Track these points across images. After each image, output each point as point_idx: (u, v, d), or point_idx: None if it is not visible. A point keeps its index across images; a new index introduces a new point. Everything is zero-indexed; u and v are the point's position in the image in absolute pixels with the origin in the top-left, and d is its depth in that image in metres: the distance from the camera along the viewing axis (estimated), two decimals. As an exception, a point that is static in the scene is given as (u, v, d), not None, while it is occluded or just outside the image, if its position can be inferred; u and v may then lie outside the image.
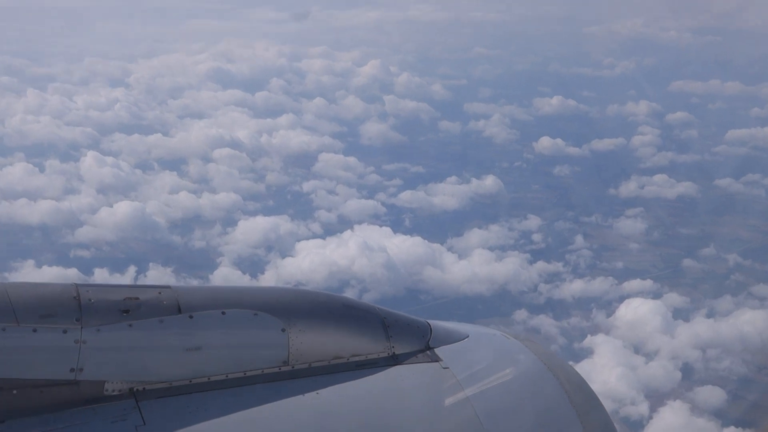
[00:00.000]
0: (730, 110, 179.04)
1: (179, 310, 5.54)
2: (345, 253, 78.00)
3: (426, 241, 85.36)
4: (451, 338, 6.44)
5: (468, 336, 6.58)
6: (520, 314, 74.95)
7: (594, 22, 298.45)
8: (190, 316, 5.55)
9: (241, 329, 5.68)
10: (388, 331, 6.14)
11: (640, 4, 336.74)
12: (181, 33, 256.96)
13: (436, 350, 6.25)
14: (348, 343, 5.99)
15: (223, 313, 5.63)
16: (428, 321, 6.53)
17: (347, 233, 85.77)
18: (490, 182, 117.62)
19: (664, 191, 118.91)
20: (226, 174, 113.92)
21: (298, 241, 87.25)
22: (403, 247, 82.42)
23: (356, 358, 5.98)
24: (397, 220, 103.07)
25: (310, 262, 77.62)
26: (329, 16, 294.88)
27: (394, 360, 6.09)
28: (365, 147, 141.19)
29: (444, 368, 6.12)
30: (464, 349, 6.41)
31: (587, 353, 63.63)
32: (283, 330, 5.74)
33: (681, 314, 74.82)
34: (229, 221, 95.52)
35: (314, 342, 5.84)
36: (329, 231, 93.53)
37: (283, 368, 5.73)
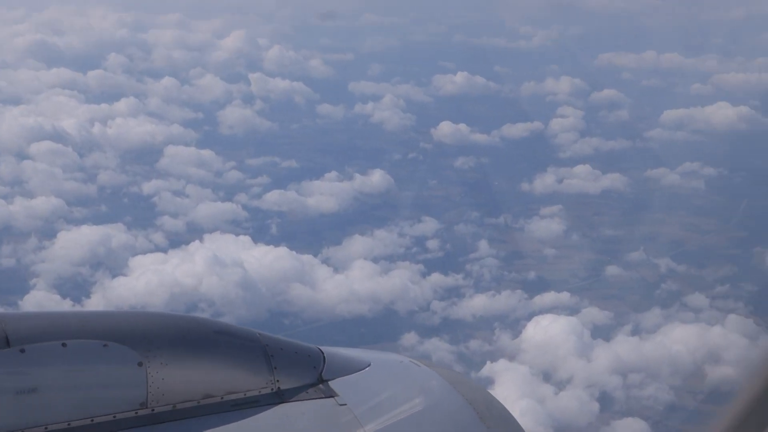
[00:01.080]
0: (667, 87, 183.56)
1: (7, 343, 5.33)
2: (191, 270, 77.04)
3: (294, 252, 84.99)
4: (348, 368, 6.49)
5: (370, 364, 6.63)
6: (409, 338, 75.15)
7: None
8: (22, 350, 5.35)
9: (87, 365, 5.51)
10: (272, 362, 6.11)
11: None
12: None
13: (330, 383, 6.29)
14: (222, 379, 5.94)
15: (64, 345, 5.43)
16: (321, 348, 6.58)
17: (195, 245, 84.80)
18: (377, 178, 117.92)
19: (586, 185, 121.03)
20: (46, 173, 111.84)
21: (134, 255, 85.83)
22: (265, 260, 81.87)
23: (232, 396, 5.93)
24: (261, 226, 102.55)
25: (147, 282, 76.40)
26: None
27: (279, 397, 6.08)
28: (225, 137, 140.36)
29: (340, 405, 6.14)
30: (365, 380, 6.48)
31: (486, 383, 63.90)
32: (140, 364, 5.63)
33: (601, 332, 75.99)
34: (48, 232, 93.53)
35: (180, 378, 5.76)
36: (175, 242, 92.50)
37: (141, 412, 5.62)
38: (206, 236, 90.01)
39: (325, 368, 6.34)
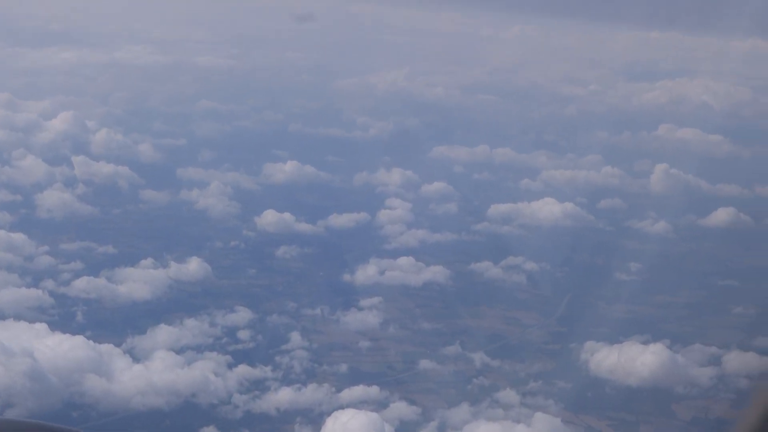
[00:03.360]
0: (498, 181, 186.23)
1: None
2: (-25, 359, 73.42)
3: (92, 342, 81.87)
4: None
5: None
6: (207, 432, 72.74)
7: (349, 73, 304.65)
8: None
9: None
10: None
11: (404, 55, 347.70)
12: None
13: None
14: None
15: None
16: None
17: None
18: (194, 266, 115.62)
19: (409, 277, 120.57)
20: None
21: None
22: (60, 350, 78.69)
23: None
24: (67, 314, 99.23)
25: None
26: (15, 54, 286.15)
27: None
28: (42, 221, 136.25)
29: None
30: None
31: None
32: None
33: (408, 427, 74.95)
34: None
35: None
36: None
37: None
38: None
39: None
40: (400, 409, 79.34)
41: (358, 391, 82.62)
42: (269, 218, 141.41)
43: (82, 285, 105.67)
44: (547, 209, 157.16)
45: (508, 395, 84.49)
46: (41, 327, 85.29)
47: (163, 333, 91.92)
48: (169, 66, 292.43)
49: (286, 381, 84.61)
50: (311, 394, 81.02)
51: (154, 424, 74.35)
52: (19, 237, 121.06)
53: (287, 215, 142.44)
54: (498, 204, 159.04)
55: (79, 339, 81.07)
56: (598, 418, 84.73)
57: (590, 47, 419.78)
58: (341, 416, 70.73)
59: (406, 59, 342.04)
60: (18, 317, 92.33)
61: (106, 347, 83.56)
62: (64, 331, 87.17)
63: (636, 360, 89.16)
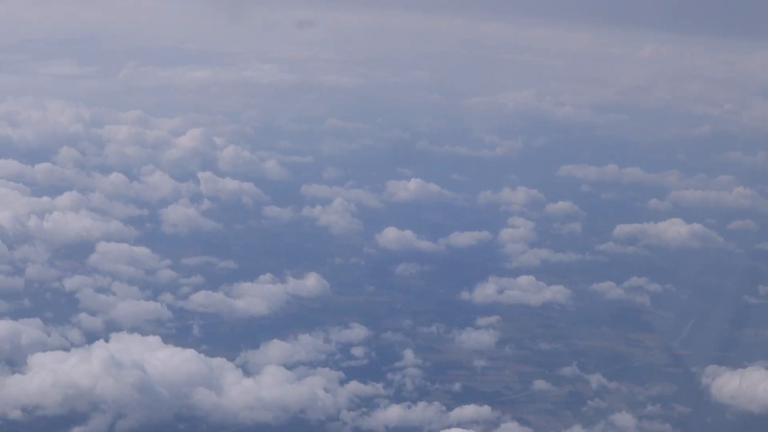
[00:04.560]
0: (625, 201, 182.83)
1: None
2: (88, 371, 73.96)
3: (204, 355, 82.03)
4: None
5: None
6: (315, 449, 72.19)
7: (478, 92, 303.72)
8: None
9: None
10: None
11: (533, 75, 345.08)
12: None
13: None
14: None
15: None
16: None
17: (98, 344, 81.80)
18: (312, 282, 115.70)
19: (528, 297, 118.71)
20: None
21: (42, 352, 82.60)
22: (171, 363, 78.91)
23: None
24: (184, 327, 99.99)
25: (41, 381, 73.28)
26: (148, 73, 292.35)
27: None
28: (166, 236, 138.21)
29: None
30: None
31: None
32: None
33: (517, 450, 73.24)
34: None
35: None
36: (92, 340, 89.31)
37: None
38: (114, 335, 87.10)
39: None
40: (511, 429, 77.69)
41: (469, 410, 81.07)
42: (390, 235, 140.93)
43: (200, 299, 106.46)
44: (674, 230, 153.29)
45: (624, 418, 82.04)
46: (154, 340, 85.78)
47: (277, 348, 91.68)
48: (297, 85, 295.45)
49: (398, 398, 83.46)
50: (421, 412, 79.72)
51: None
52: (142, 251, 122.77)
53: (408, 233, 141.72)
54: (624, 224, 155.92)
55: (191, 352, 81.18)
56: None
57: (725, 66, 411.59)
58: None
59: (536, 79, 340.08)
60: (136, 329, 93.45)
61: (218, 361, 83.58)
62: (180, 345, 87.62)
63: (759, 386, 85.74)
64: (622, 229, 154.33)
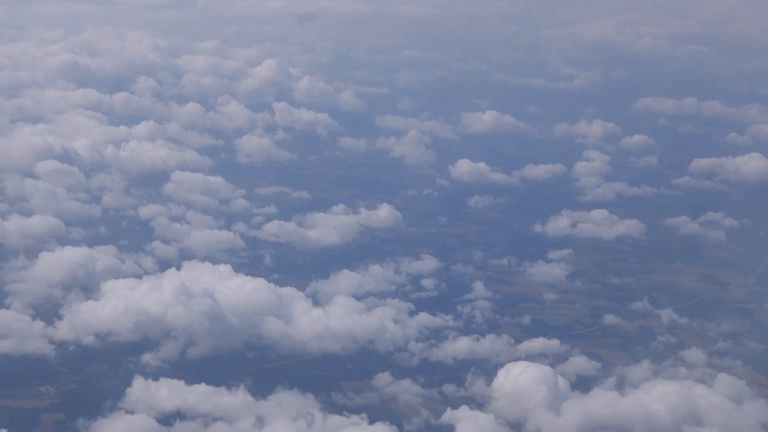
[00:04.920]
0: (703, 135, 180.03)
1: None
2: (159, 298, 74.64)
3: (272, 284, 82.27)
4: None
5: None
6: (382, 378, 72.10)
7: (556, 23, 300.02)
8: None
9: None
10: None
11: (613, 6, 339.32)
12: (38, 16, 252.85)
13: None
14: None
15: None
16: None
17: (170, 272, 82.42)
18: (384, 213, 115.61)
19: (601, 230, 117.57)
20: (48, 192, 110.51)
21: (116, 279, 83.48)
22: (241, 292, 79.24)
23: None
24: (256, 257, 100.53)
25: (113, 308, 74.07)
26: (224, 3, 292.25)
27: None
28: (241, 166, 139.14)
29: None
30: None
31: (447, 431, 61.05)
32: None
33: (585, 383, 72.68)
34: (37, 252, 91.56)
35: None
36: (165, 268, 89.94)
37: None
38: (186, 263, 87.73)
39: None
40: (579, 363, 76.84)
41: (538, 343, 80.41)
42: (464, 167, 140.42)
43: (273, 229, 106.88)
44: (753, 164, 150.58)
45: (694, 354, 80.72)
46: (225, 268, 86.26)
47: (347, 278, 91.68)
48: (374, 15, 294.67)
49: (466, 331, 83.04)
50: (489, 344, 79.25)
51: (329, 368, 74.23)
52: (216, 180, 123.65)
53: (482, 165, 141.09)
54: (701, 158, 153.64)
55: (261, 281, 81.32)
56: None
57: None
58: (513, 368, 68.99)
59: (616, 10, 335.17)
60: (209, 258, 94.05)
61: (288, 290, 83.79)
62: (251, 274, 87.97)
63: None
64: (699, 163, 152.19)
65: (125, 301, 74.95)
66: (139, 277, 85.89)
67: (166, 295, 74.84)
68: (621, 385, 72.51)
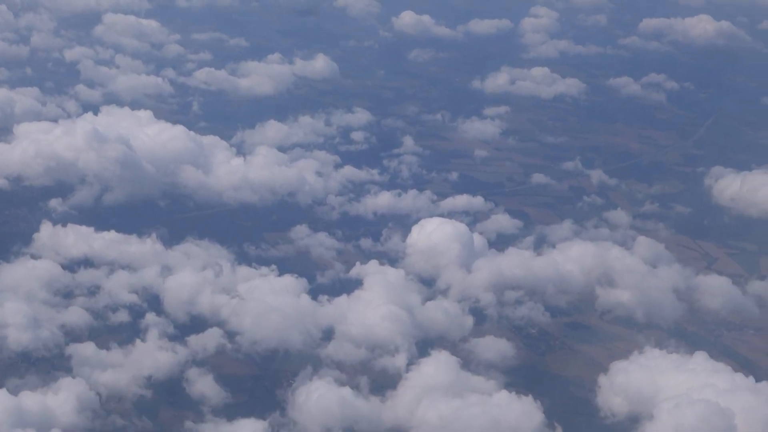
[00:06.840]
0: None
1: None
2: (71, 143, 72.56)
3: (193, 132, 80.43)
4: None
5: None
6: (299, 231, 70.83)
7: None
8: None
9: None
10: None
11: None
12: None
13: None
14: None
15: None
16: None
17: (85, 117, 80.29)
18: (321, 64, 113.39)
19: (540, 88, 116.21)
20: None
21: (35, 122, 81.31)
22: (160, 139, 77.31)
23: None
24: (184, 104, 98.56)
25: (23, 151, 72.00)
26: None
27: None
28: (179, 9, 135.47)
29: None
30: None
31: (354, 286, 60.14)
32: None
33: (504, 241, 71.82)
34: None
35: None
36: (88, 112, 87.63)
37: None
38: (103, 109, 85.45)
39: None
40: (501, 221, 75.72)
41: (461, 200, 79.21)
42: (407, 19, 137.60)
43: (203, 76, 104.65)
44: (702, 26, 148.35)
45: (619, 216, 79.87)
46: (146, 114, 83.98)
47: (274, 129, 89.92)
48: None
49: (391, 186, 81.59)
50: (411, 200, 77.93)
51: (246, 219, 72.86)
52: (150, 24, 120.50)
53: (426, 17, 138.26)
54: (650, 18, 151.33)
55: (180, 129, 79.39)
56: (717, 245, 79.74)
57: None
58: (428, 225, 67.83)
59: None
60: (135, 104, 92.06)
61: (211, 139, 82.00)
62: (178, 121, 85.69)
63: (760, 190, 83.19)
64: (648, 23, 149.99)
65: (36, 145, 72.93)
66: (58, 121, 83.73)
67: (78, 140, 72.90)
68: (539, 245, 71.79)
